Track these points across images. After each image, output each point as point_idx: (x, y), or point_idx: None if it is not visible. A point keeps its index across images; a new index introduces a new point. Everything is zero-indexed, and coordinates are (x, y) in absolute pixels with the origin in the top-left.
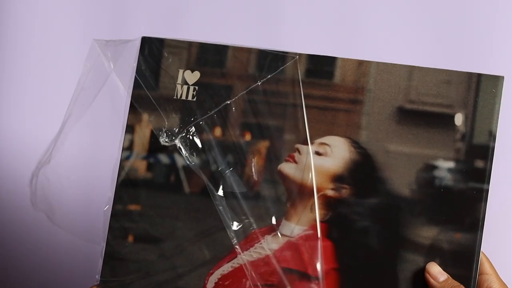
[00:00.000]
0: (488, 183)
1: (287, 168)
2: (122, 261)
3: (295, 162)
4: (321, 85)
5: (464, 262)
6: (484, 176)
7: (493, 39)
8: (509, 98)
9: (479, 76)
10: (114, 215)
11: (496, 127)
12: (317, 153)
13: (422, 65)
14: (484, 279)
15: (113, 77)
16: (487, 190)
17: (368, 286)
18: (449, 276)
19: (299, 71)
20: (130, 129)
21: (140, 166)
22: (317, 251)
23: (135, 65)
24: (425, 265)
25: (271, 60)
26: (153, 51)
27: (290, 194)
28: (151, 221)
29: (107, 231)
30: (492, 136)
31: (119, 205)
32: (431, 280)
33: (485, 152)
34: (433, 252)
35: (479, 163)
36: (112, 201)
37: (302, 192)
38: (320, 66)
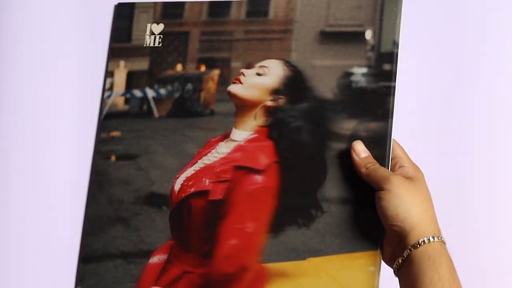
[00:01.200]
0: (395, 81)
1: (234, 88)
2: (106, 176)
3: (241, 83)
4: (259, 22)
5: (379, 145)
6: (391, 76)
7: None
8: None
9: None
10: (100, 141)
11: (399, 37)
12: (258, 74)
13: None
14: (397, 161)
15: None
16: (394, 87)
17: (303, 173)
18: (369, 154)
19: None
20: (110, 74)
21: (119, 101)
22: (261, 149)
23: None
24: (347, 151)
25: (219, 7)
26: (126, 13)
27: (238, 108)
28: (129, 142)
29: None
30: (395, 44)
31: (104, 133)
32: (354, 156)
33: (391, 57)
34: (353, 140)
35: (387, 66)
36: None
37: (247, 105)
38: (258, 8)
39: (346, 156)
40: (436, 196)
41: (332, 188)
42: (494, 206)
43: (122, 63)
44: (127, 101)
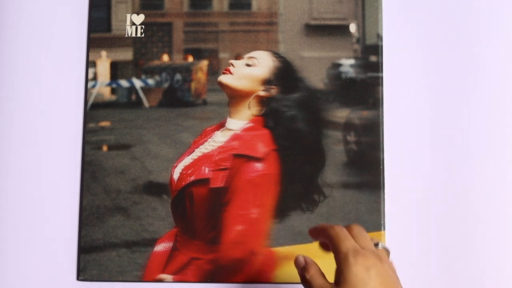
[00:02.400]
0: (382, 72)
1: (225, 78)
2: (100, 166)
3: (231, 73)
4: (243, 14)
5: (373, 131)
6: (378, 67)
7: None
8: (387, 8)
9: None
10: (89, 131)
11: (382, 30)
12: (247, 65)
13: None
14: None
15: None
16: (382, 77)
17: (302, 159)
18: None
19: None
20: (92, 64)
21: (105, 91)
22: (259, 138)
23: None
24: (343, 138)
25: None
26: (102, 3)
27: (230, 98)
28: (120, 132)
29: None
30: (379, 37)
31: (92, 123)
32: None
33: (376, 49)
34: (348, 127)
35: (373, 58)
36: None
37: (240, 95)
38: (240, 0)
39: (343, 143)
40: (426, 182)
41: (332, 174)
42: (487, 194)
43: (103, 53)
44: (113, 91)
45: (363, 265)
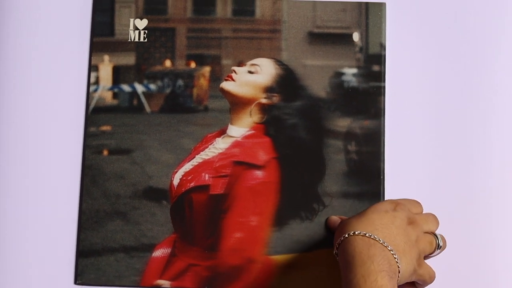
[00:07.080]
0: (384, 81)
1: (227, 85)
2: (100, 170)
3: (233, 80)
4: (246, 21)
5: (374, 141)
6: (380, 76)
7: None
8: (391, 18)
9: (367, 4)
10: (90, 136)
11: (385, 40)
12: (250, 72)
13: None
14: None
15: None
16: (384, 87)
17: (303, 168)
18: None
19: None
20: (94, 68)
21: (106, 95)
22: (259, 146)
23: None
24: (344, 147)
25: (204, 4)
26: (106, 7)
27: (232, 105)
28: (121, 137)
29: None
30: (382, 46)
31: (93, 127)
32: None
33: (379, 59)
34: (349, 137)
35: (376, 67)
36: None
37: (241, 102)
38: (243, 6)
39: (344, 152)
40: (426, 193)
41: (332, 183)
42: (489, 203)
43: (106, 57)
44: (115, 95)
45: (394, 209)
